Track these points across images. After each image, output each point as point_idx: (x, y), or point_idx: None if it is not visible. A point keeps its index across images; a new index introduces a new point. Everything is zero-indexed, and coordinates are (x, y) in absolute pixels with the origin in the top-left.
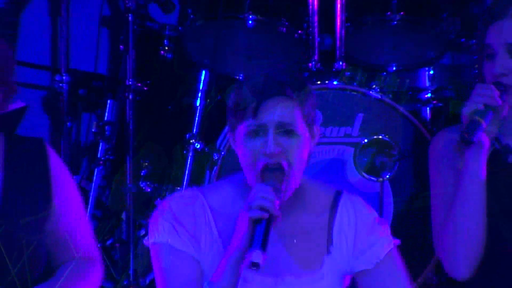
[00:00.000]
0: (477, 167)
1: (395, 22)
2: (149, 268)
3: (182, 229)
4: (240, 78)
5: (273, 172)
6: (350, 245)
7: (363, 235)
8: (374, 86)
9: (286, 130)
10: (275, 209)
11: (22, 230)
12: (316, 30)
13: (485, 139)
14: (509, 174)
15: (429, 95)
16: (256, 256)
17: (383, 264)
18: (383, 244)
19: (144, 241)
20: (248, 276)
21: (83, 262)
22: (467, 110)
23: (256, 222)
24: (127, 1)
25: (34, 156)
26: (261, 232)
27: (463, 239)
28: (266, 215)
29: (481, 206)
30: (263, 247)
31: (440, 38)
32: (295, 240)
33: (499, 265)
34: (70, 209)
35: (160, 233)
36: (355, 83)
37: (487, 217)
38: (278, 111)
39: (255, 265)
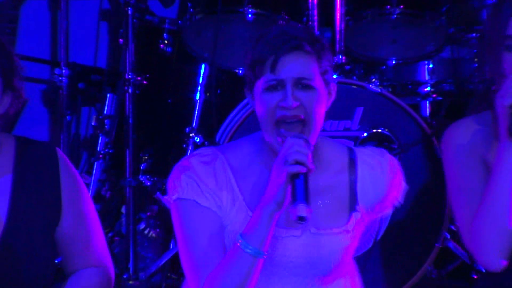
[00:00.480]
0: None
1: (394, 16)
2: (149, 262)
3: (205, 186)
4: (240, 72)
5: (290, 125)
6: (371, 205)
7: (378, 200)
8: (373, 79)
9: (304, 84)
10: (310, 162)
11: (31, 236)
12: (315, 23)
13: None
14: None
15: (428, 88)
16: (302, 210)
17: None
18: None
19: (163, 199)
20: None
21: (96, 271)
22: (508, 101)
23: (294, 176)
24: None
25: (44, 161)
26: (301, 186)
27: (496, 233)
28: (304, 170)
29: None
30: (307, 200)
31: (440, 32)
32: (317, 198)
33: None
34: (82, 215)
35: (184, 190)
36: (354, 77)
37: None
38: (296, 65)
39: (301, 218)
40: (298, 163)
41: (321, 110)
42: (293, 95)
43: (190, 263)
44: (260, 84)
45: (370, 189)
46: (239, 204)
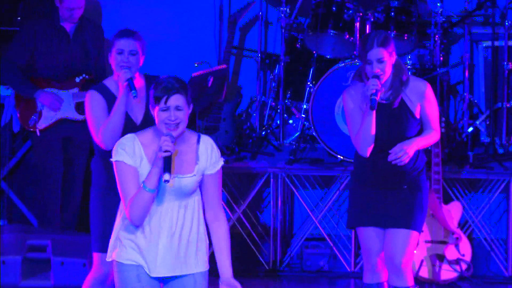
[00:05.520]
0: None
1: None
2: None
3: (128, 153)
4: None
5: (171, 125)
6: (206, 161)
7: (211, 158)
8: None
9: (179, 109)
10: (173, 149)
11: None
12: None
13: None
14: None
15: None
16: (167, 176)
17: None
18: (219, 164)
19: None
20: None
21: None
22: (370, 92)
23: (165, 157)
24: None
25: None
26: (169, 163)
27: (364, 138)
28: (169, 154)
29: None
30: (169, 170)
31: None
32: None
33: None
34: None
35: (117, 155)
36: None
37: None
38: (176, 100)
39: (166, 180)
40: (166, 151)
41: (187, 119)
42: (174, 114)
43: (123, 196)
44: (159, 108)
45: (205, 155)
46: (144, 163)
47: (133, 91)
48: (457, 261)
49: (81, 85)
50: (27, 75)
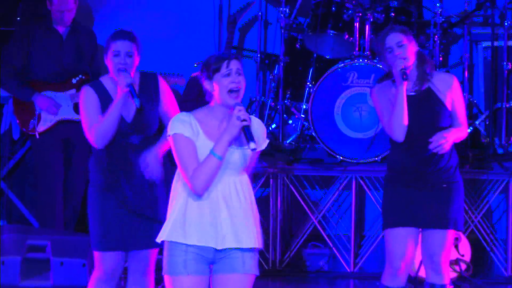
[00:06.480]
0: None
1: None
2: None
3: (186, 127)
4: None
5: (236, 92)
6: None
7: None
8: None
9: (240, 73)
10: (249, 118)
11: None
12: None
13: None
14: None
15: None
16: (253, 144)
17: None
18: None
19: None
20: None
21: None
22: (397, 71)
23: (244, 126)
24: None
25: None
26: (250, 131)
27: (398, 125)
28: (247, 123)
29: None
30: (253, 139)
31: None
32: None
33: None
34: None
35: (175, 129)
36: None
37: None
38: (236, 64)
39: (253, 148)
40: (244, 120)
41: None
42: (237, 77)
43: (184, 168)
44: (220, 74)
45: (255, 129)
46: (201, 137)
47: (135, 99)
48: (457, 261)
49: (78, 86)
50: (23, 78)
